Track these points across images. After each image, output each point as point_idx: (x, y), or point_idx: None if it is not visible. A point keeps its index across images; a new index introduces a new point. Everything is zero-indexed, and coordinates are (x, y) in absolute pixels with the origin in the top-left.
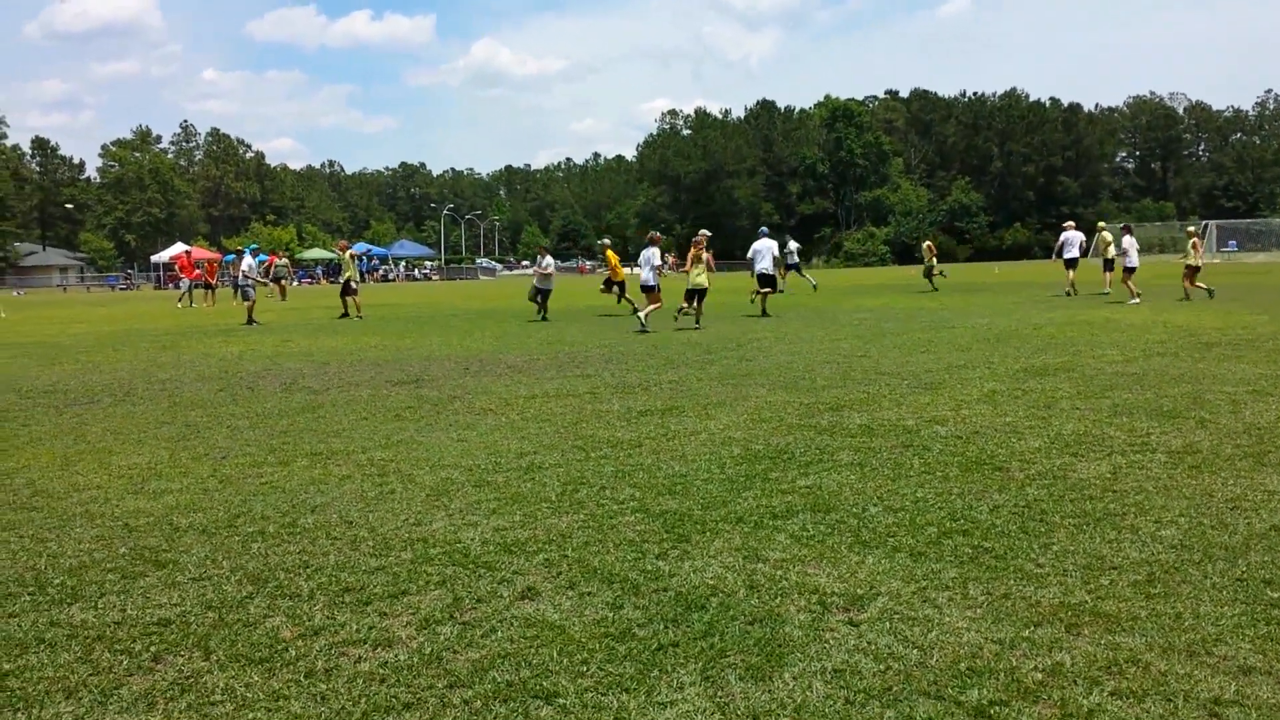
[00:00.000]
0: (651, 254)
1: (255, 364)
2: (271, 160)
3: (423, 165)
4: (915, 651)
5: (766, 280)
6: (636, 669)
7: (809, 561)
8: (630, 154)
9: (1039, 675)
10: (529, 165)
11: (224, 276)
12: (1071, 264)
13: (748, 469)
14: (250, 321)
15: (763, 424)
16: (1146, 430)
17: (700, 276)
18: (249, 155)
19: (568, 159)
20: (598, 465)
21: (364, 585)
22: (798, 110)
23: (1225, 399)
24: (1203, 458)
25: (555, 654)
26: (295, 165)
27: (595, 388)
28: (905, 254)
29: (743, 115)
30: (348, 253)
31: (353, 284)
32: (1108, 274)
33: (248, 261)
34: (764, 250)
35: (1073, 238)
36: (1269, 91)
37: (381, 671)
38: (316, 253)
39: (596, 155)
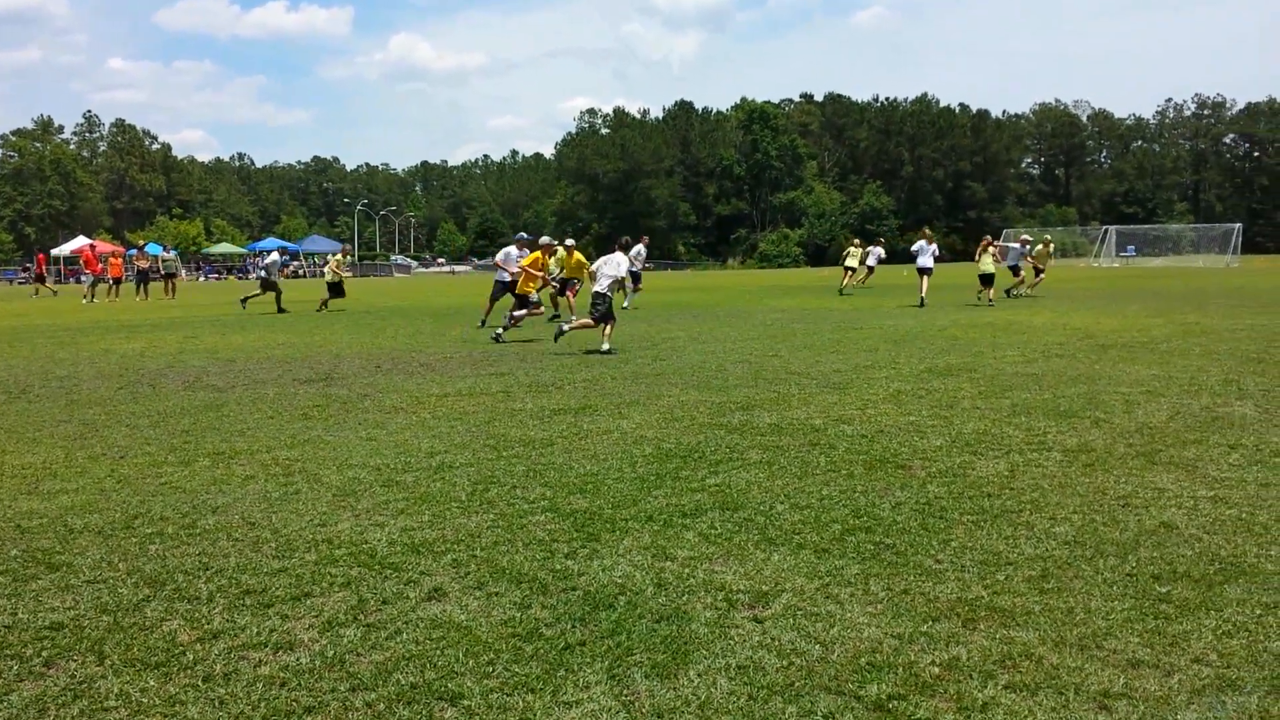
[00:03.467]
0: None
1: (157, 361)
2: (179, 152)
3: (336, 160)
4: (817, 647)
5: (987, 279)
6: (543, 669)
7: (716, 559)
8: (549, 152)
9: (936, 669)
10: (446, 162)
11: (128, 271)
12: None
13: (659, 468)
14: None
15: (675, 423)
16: (1044, 429)
17: (988, 265)
18: (155, 147)
19: (486, 156)
20: (509, 464)
21: (265, 587)
22: (715, 112)
23: (1119, 399)
24: (1096, 456)
25: (461, 655)
26: (204, 158)
27: (509, 386)
28: (818, 256)
29: (661, 116)
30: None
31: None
32: (1039, 278)
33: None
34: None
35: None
36: (1169, 100)
37: (282, 675)
38: (225, 247)
39: (515, 153)
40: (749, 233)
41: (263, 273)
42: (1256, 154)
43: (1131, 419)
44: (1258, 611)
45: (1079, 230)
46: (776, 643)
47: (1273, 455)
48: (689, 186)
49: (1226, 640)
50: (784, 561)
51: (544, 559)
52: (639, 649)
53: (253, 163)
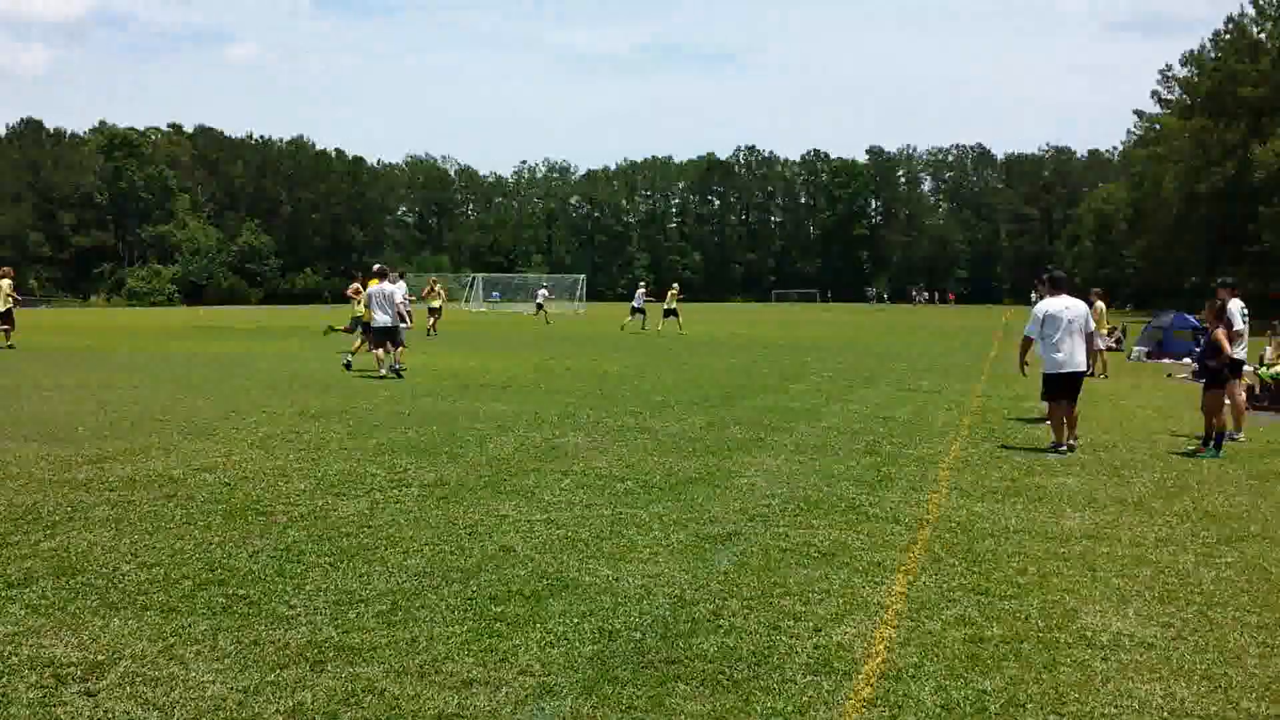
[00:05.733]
0: None
1: None
2: None
3: None
4: (156, 713)
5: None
6: None
7: (46, 632)
8: None
9: (280, 718)
10: None
11: None
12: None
13: None
14: None
15: (7, 483)
16: (405, 466)
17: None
18: None
19: None
20: None
21: None
22: (70, 134)
23: (475, 435)
24: (450, 489)
25: None
26: None
27: None
28: (195, 294)
29: (4, 134)
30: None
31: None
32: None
33: None
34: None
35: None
36: (524, 162)
37: None
38: None
39: None
40: (115, 267)
41: None
42: (597, 214)
43: (483, 452)
44: (575, 620)
45: (451, 277)
46: (110, 714)
47: (597, 479)
48: (41, 214)
49: (549, 650)
50: (125, 626)
51: None
52: None
53: None
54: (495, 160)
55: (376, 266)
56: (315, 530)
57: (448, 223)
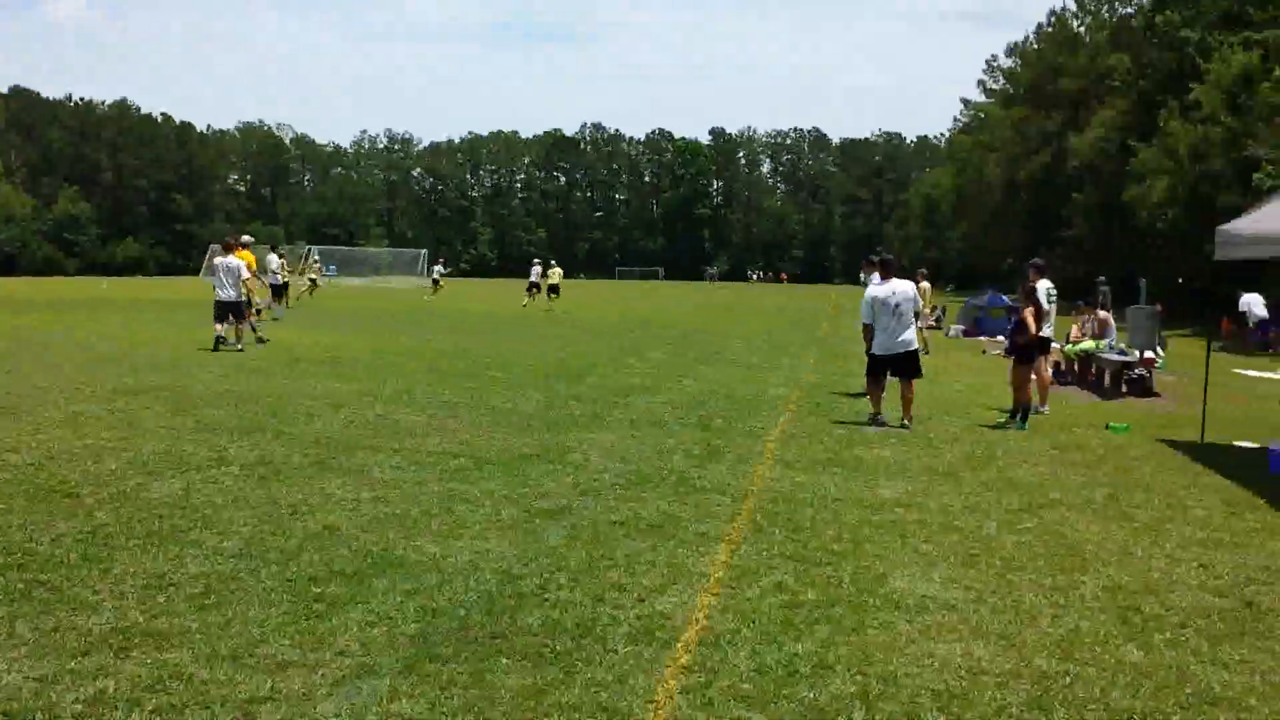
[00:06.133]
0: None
1: None
2: None
3: None
4: None
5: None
6: None
7: None
8: None
9: (79, 707)
10: None
11: None
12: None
13: None
14: None
15: None
16: (226, 445)
17: None
18: None
19: None
20: None
21: None
22: None
23: (303, 412)
24: (274, 468)
25: None
26: None
27: None
28: (7, 265)
29: None
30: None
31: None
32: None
33: None
34: None
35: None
36: (364, 132)
37: None
38: None
39: None
40: None
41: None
42: (440, 188)
43: (311, 429)
44: (399, 599)
45: (286, 249)
46: None
47: (429, 456)
48: None
49: (369, 630)
50: None
51: None
52: None
53: None
54: (333, 130)
55: (244, 237)
56: (125, 512)
57: (282, 193)
